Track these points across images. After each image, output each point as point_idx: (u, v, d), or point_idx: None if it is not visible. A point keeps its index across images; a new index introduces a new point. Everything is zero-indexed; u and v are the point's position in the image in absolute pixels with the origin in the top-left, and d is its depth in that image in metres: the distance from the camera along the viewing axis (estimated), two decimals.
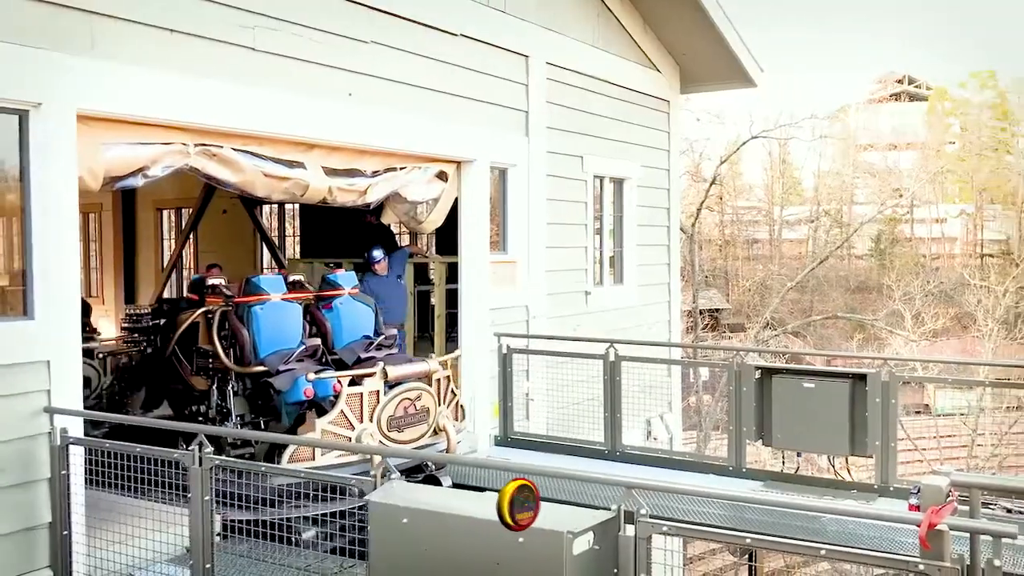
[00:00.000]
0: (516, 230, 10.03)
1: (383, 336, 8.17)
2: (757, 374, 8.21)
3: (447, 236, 10.61)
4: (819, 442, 7.98)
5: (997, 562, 3.19)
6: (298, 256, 14.66)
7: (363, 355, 7.75)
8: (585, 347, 9.26)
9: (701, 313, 28.99)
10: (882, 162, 54.35)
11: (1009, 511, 6.58)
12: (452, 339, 10.02)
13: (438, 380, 7.56)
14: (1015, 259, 45.88)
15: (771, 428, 8.03)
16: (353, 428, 6.78)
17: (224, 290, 7.78)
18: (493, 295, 9.54)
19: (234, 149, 6.97)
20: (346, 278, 8.31)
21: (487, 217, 9.60)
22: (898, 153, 55.50)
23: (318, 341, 7.64)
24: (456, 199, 9.40)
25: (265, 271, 15.50)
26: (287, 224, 16.07)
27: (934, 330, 33.00)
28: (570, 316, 10.77)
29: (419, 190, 8.93)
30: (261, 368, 7.22)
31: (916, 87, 64.84)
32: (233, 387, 7.45)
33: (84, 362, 7.69)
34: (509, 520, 3.70)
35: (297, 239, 15.65)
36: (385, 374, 7.10)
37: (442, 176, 9.17)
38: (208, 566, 4.74)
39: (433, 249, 12.93)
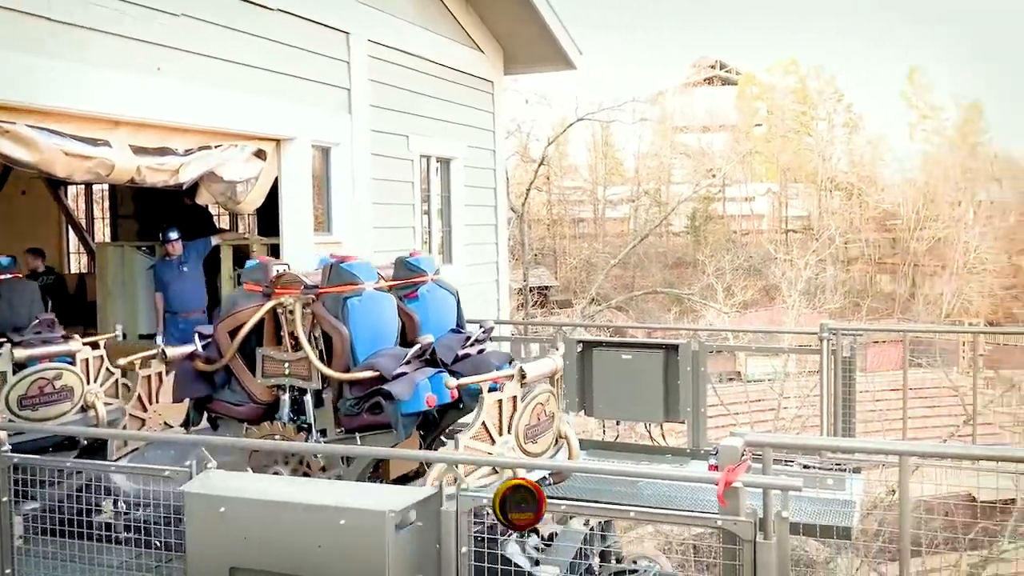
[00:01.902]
0: (341, 210, 9.89)
1: (482, 328, 6.80)
2: (579, 348, 8.51)
3: (269, 217, 10.33)
4: (637, 410, 8.37)
5: (785, 513, 3.49)
6: (108, 240, 13.85)
7: (460, 352, 6.46)
8: None
9: (531, 291, 29.61)
10: (696, 144, 57.21)
11: (806, 467, 7.16)
12: None
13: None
14: (815, 234, 49.59)
15: (593, 399, 8.36)
16: (494, 443, 5.47)
17: (302, 279, 6.22)
18: None
19: (29, 126, 6.49)
20: (427, 262, 6.91)
21: (310, 197, 9.40)
22: (711, 135, 58.57)
23: (431, 338, 6.15)
24: (277, 179, 9.16)
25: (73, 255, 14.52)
26: (95, 206, 15.12)
27: (744, 302, 35.23)
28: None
29: (236, 169, 8.63)
30: (369, 374, 5.68)
31: (727, 72, 68.46)
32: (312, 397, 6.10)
33: (63, 368, 7.11)
34: (501, 518, 3.79)
35: (107, 222, 14.76)
36: (523, 374, 5.70)
37: (261, 155, 8.90)
38: (8, 571, 4.45)
39: (255, 231, 12.54)
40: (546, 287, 40.96)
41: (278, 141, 9.05)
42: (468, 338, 6.53)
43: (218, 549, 3.99)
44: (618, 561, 5.09)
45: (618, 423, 8.73)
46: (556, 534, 4.72)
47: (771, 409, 28.90)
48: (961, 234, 52.66)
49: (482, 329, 6.73)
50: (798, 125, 61.53)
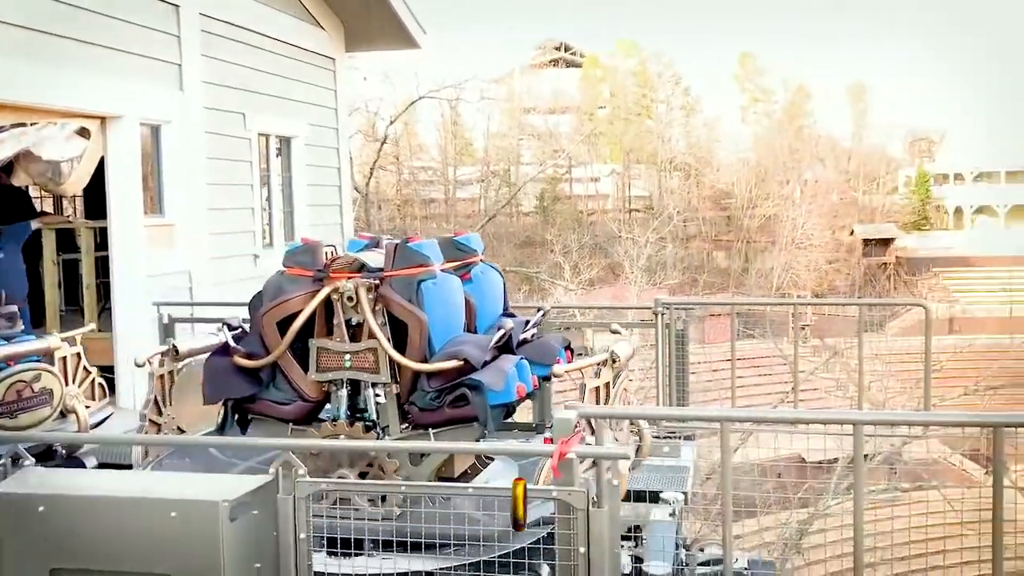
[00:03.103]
0: (173, 191, 9.46)
1: (540, 311, 6.33)
2: None
3: (97, 199, 9.77)
4: None
5: (616, 481, 3.64)
6: None
7: (520, 337, 5.89)
8: None
9: None
10: (544, 125, 58.13)
11: (657, 437, 7.45)
12: (107, 311, 9.31)
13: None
14: (655, 213, 51.48)
15: None
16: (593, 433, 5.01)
17: (364, 261, 5.46)
18: (150, 262, 8.96)
19: None
20: (476, 241, 6.28)
21: (139, 177, 8.95)
22: (557, 116, 59.67)
23: (511, 323, 5.56)
24: (103, 159, 8.66)
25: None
26: None
27: (590, 279, 36.24)
28: (238, 281, 10.40)
29: (56, 148, 8.12)
30: (454, 363, 5.08)
31: (572, 54, 69.73)
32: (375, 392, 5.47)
33: (42, 369, 6.10)
34: (523, 520, 3.63)
35: None
36: (613, 359, 5.30)
37: (84, 133, 8.39)
38: None
39: (81, 213, 11.84)
40: None
41: (103, 119, 8.56)
42: (527, 322, 5.99)
43: (37, 550, 3.77)
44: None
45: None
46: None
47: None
48: (789, 211, 55.98)
49: (541, 312, 6.32)
50: (639, 108, 63.56)
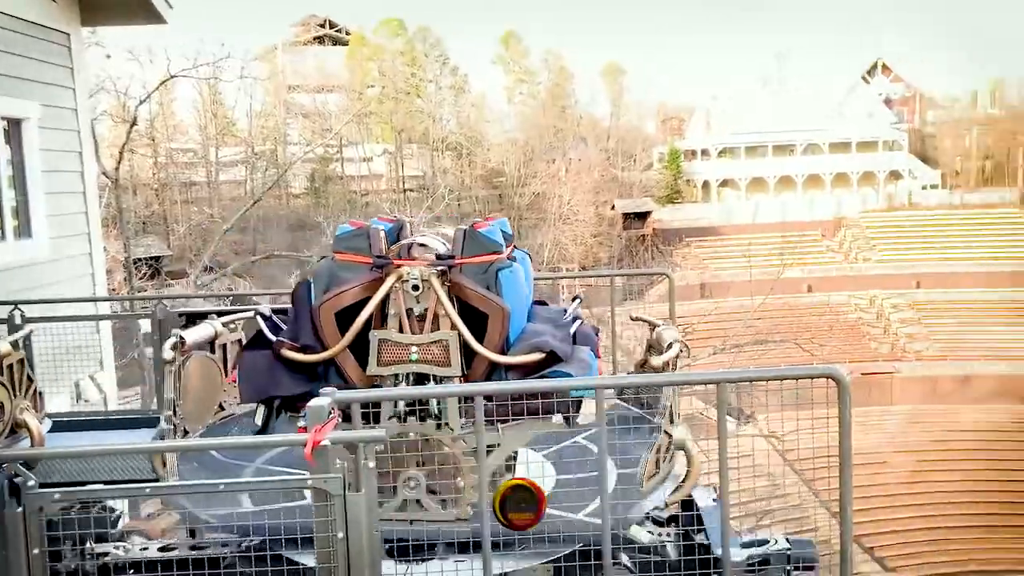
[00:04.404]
0: None
1: (576, 299, 5.90)
2: (182, 321, 8.10)
3: None
4: None
5: (372, 464, 3.66)
6: None
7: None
8: None
9: (137, 262, 27.53)
10: (311, 103, 56.72)
11: None
12: None
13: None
14: (430, 193, 51.80)
15: None
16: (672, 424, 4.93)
17: (433, 246, 4.92)
18: None
19: None
20: (507, 225, 5.62)
21: None
22: (325, 95, 58.40)
23: (579, 312, 5.22)
24: None
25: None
26: None
27: None
28: None
29: None
30: (538, 356, 4.67)
31: (337, 31, 68.44)
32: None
33: None
34: (501, 518, 3.64)
35: None
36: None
37: None
38: None
39: None
40: (157, 257, 38.37)
41: None
42: (564, 311, 5.63)
43: None
44: None
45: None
46: None
47: None
48: (556, 189, 58.27)
49: (577, 300, 5.95)
50: (409, 87, 63.55)
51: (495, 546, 3.92)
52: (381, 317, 4.73)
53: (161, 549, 4.42)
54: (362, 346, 4.70)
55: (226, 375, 5.61)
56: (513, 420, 4.63)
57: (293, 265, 37.21)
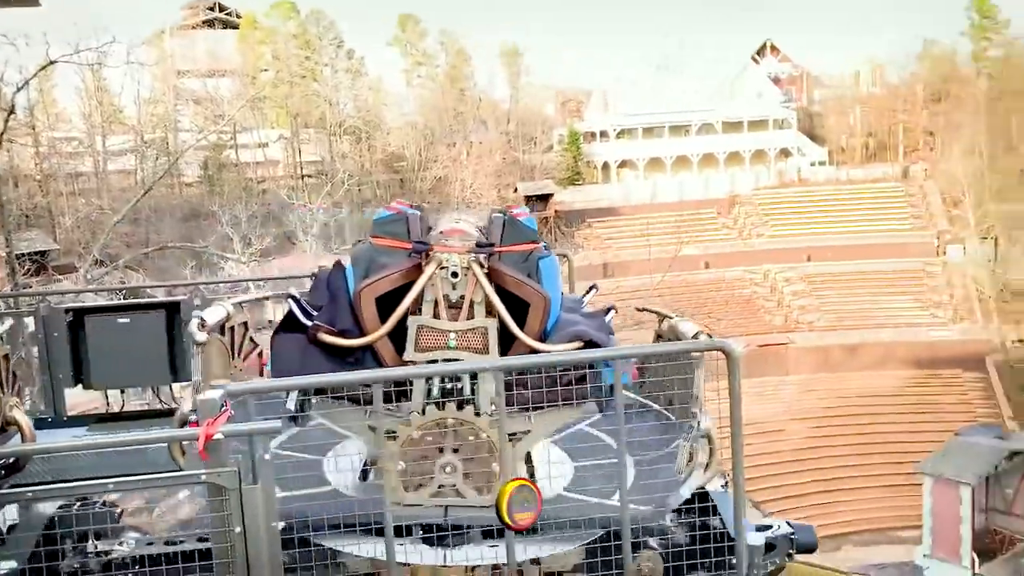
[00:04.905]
0: None
1: (592, 288, 5.94)
2: (69, 317, 7.82)
3: None
4: (142, 375, 7.96)
5: (267, 456, 3.62)
6: None
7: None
8: None
9: (20, 257, 26.27)
10: (202, 88, 54.97)
11: None
12: None
13: None
14: (329, 178, 51.01)
15: (90, 370, 7.76)
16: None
17: (473, 234, 4.81)
18: None
19: None
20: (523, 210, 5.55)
21: None
22: (217, 80, 56.67)
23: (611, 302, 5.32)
24: None
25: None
26: None
27: (263, 250, 35.15)
28: None
29: None
30: (577, 344, 4.65)
31: (227, 14, 66.43)
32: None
33: None
34: (508, 520, 3.63)
35: None
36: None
37: None
38: None
39: None
40: (42, 252, 36.68)
41: None
42: (581, 299, 5.66)
43: None
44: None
45: (122, 392, 8.22)
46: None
47: None
48: (458, 172, 58.14)
49: (594, 289, 5.97)
50: (304, 71, 62.23)
51: (533, 530, 4.02)
52: (416, 303, 4.69)
53: (167, 543, 4.37)
54: (398, 331, 4.64)
55: (234, 358, 5.54)
56: (541, 405, 4.63)
57: (188, 256, 36.16)
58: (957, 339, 49.22)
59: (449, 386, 4.58)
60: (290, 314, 4.87)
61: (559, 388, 4.55)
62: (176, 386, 8.77)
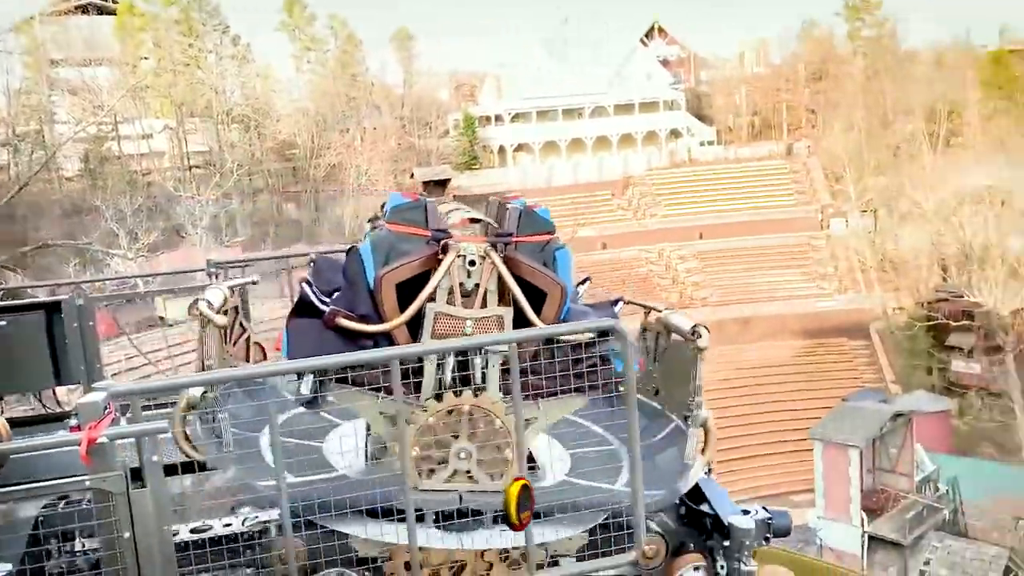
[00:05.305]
0: None
1: (586, 279, 6.06)
2: None
3: None
4: (22, 379, 7.61)
5: (156, 457, 3.49)
6: None
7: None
8: None
9: None
10: (78, 78, 52.50)
11: None
12: None
13: None
14: (218, 169, 49.51)
15: None
16: None
17: (492, 223, 5.01)
18: None
19: None
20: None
21: None
22: (94, 68, 54.17)
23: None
24: None
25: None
26: None
27: (151, 244, 33.91)
28: None
29: None
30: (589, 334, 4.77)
31: (103, 0, 63.54)
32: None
33: None
34: (516, 521, 3.69)
35: None
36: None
37: None
38: None
39: None
40: None
41: None
42: (577, 292, 5.75)
43: None
44: None
45: (1, 398, 7.83)
46: None
47: (194, 350, 28.58)
48: (353, 159, 57.27)
49: (587, 281, 6.09)
50: (187, 58, 60.10)
51: (536, 516, 4.11)
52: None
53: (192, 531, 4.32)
54: (413, 318, 4.70)
55: (225, 342, 5.54)
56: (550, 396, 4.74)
57: (71, 254, 34.60)
58: (842, 308, 51.49)
59: (459, 374, 4.65)
60: (303, 299, 4.90)
61: (573, 378, 4.70)
62: (61, 390, 8.42)
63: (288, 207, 58.41)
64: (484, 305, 4.72)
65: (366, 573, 4.45)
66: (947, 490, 28.18)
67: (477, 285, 4.71)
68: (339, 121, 61.01)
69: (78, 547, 4.31)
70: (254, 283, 6.29)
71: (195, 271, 8.81)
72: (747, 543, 4.77)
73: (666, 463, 4.97)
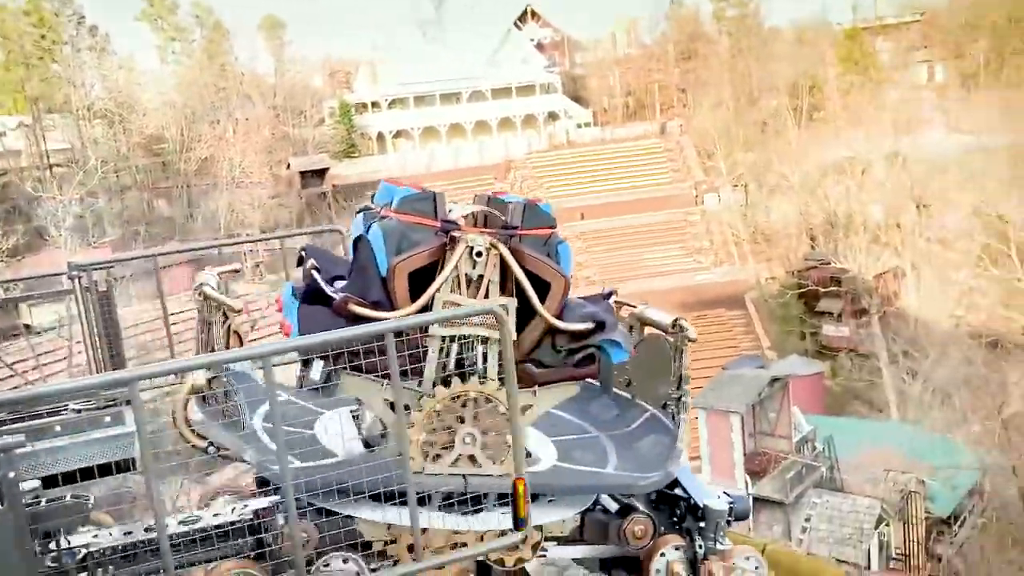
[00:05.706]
0: None
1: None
2: None
3: None
4: None
5: (12, 474, 3.30)
6: None
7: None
8: None
9: None
10: None
11: (78, 411, 6.89)
12: None
13: None
14: (80, 167, 47.11)
15: None
16: None
17: (501, 216, 5.15)
18: None
19: None
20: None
21: None
22: None
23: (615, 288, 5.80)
24: None
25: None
26: None
27: (12, 248, 32.03)
28: None
29: None
30: (589, 325, 5.07)
31: None
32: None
33: None
34: (524, 515, 3.89)
35: None
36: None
37: None
38: None
39: None
40: None
41: None
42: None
43: None
44: None
45: None
46: None
47: (64, 359, 27.25)
48: (225, 151, 55.48)
49: (614, 293, 6.29)
50: (40, 51, 56.85)
51: (534, 498, 4.32)
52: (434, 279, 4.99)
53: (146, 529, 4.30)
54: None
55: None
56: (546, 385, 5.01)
57: None
58: (719, 281, 53.30)
59: (460, 359, 4.86)
60: (311, 285, 4.95)
61: (570, 368, 5.04)
62: None
63: (159, 204, 56.17)
64: (487, 295, 4.92)
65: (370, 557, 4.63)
66: (823, 449, 29.56)
67: (481, 276, 4.91)
68: (209, 113, 58.97)
69: (63, 544, 4.21)
70: (236, 271, 6.28)
71: (56, 275, 8.36)
72: (721, 523, 5.14)
73: (649, 448, 5.38)
